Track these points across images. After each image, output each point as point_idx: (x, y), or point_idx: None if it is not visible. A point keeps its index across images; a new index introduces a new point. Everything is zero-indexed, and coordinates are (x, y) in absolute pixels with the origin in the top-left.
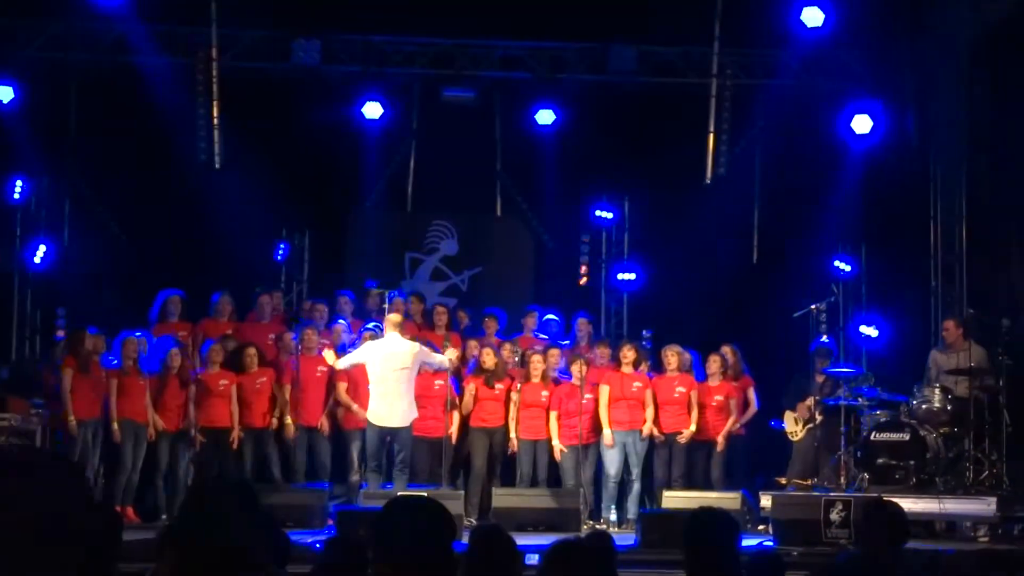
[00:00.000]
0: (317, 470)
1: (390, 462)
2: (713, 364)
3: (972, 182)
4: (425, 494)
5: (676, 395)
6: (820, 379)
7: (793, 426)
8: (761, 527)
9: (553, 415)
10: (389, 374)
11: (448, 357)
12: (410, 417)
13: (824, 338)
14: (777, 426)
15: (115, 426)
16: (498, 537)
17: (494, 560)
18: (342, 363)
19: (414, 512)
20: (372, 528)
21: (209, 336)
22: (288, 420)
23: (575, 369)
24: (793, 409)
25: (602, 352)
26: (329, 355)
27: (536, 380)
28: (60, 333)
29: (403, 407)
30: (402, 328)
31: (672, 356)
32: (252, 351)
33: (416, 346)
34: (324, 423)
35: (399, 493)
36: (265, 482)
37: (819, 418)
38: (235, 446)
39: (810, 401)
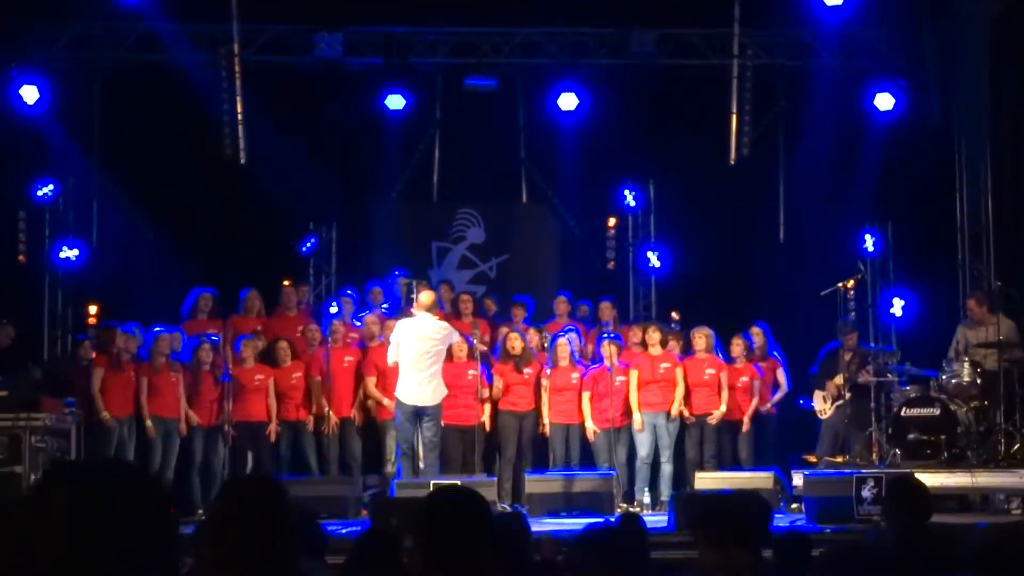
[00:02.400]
0: (349, 461)
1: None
2: (736, 347)
3: (997, 155)
4: (458, 484)
5: (706, 377)
6: (847, 356)
7: (822, 404)
8: (794, 506)
9: (586, 396)
10: (420, 354)
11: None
12: (439, 397)
13: (852, 315)
14: (806, 405)
15: (148, 423)
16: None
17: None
18: (391, 357)
19: (457, 503)
20: (414, 519)
21: (239, 332)
22: (327, 411)
23: (605, 351)
24: (822, 388)
25: (634, 334)
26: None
27: (564, 364)
28: (87, 332)
29: (433, 386)
30: (433, 310)
31: (701, 338)
32: (284, 345)
33: (446, 326)
34: (356, 414)
35: (433, 483)
36: (301, 474)
37: (847, 396)
38: (272, 439)
39: (839, 379)
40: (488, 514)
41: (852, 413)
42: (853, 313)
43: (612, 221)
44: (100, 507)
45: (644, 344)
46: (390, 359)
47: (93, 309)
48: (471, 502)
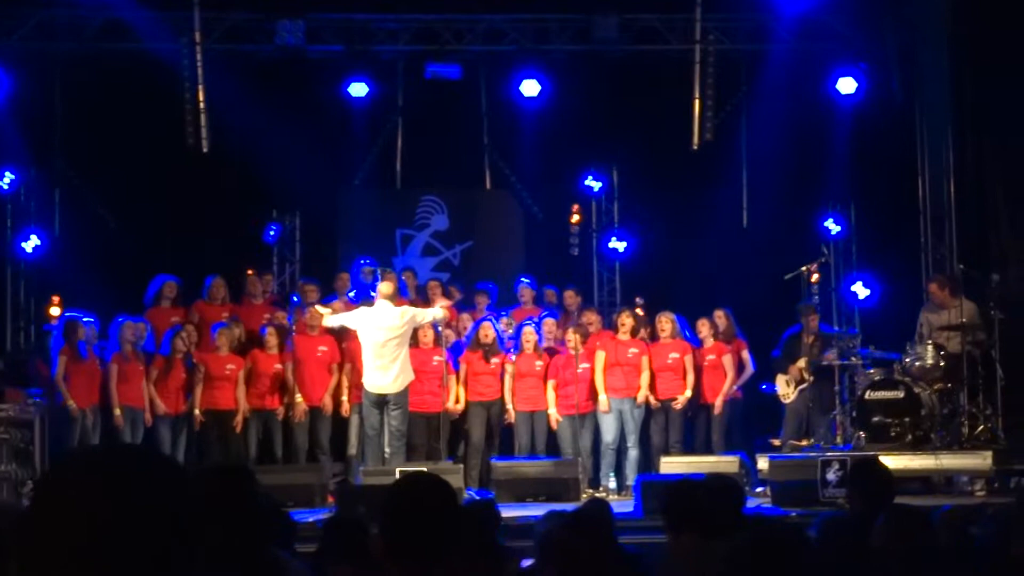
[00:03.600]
0: (315, 449)
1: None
2: (703, 328)
3: (958, 139)
4: (423, 470)
5: (670, 361)
6: (809, 340)
7: (785, 388)
8: (759, 490)
9: (550, 384)
10: (381, 342)
11: (440, 307)
12: (404, 383)
13: (815, 298)
14: (769, 390)
15: (117, 412)
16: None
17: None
18: (330, 320)
19: (421, 490)
20: (379, 507)
21: (206, 319)
22: (298, 399)
23: (569, 338)
24: (784, 372)
25: (591, 319)
26: (323, 310)
27: (529, 351)
28: (52, 323)
29: (397, 373)
30: (393, 299)
31: (667, 323)
32: (272, 330)
33: (406, 310)
34: (327, 402)
35: (399, 470)
36: (268, 462)
37: (810, 379)
38: (239, 428)
39: (802, 363)
40: (454, 502)
41: (815, 396)
42: (816, 297)
43: (575, 208)
44: (124, 500)
45: (612, 327)
46: (327, 321)
47: (56, 299)
48: (437, 490)
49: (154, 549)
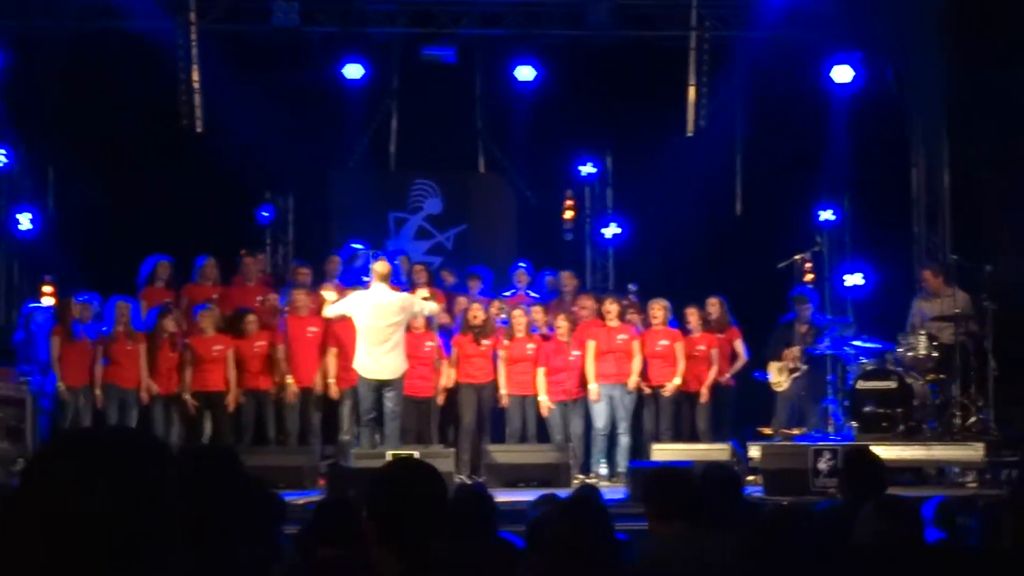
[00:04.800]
0: (307, 431)
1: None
2: (692, 317)
3: (953, 128)
4: (415, 454)
5: (659, 348)
6: (802, 329)
7: (777, 376)
8: (751, 477)
9: (541, 371)
10: (378, 326)
11: (433, 306)
12: (401, 369)
13: (809, 287)
14: (761, 377)
15: (98, 391)
16: (481, 496)
17: (474, 518)
18: (330, 310)
19: (411, 474)
20: (367, 490)
21: (195, 300)
22: (289, 381)
23: (559, 325)
24: (777, 359)
25: (586, 305)
26: (328, 295)
27: (521, 335)
28: (45, 301)
29: (393, 359)
30: (387, 280)
31: (659, 309)
32: (252, 316)
33: (405, 296)
34: (319, 383)
35: (390, 452)
36: (259, 443)
37: (803, 368)
38: (231, 409)
39: (795, 351)
40: (442, 486)
41: (807, 385)
42: (811, 283)
43: (569, 193)
44: (108, 482)
45: (600, 315)
46: (328, 311)
47: (48, 279)
48: (423, 474)
49: (138, 530)
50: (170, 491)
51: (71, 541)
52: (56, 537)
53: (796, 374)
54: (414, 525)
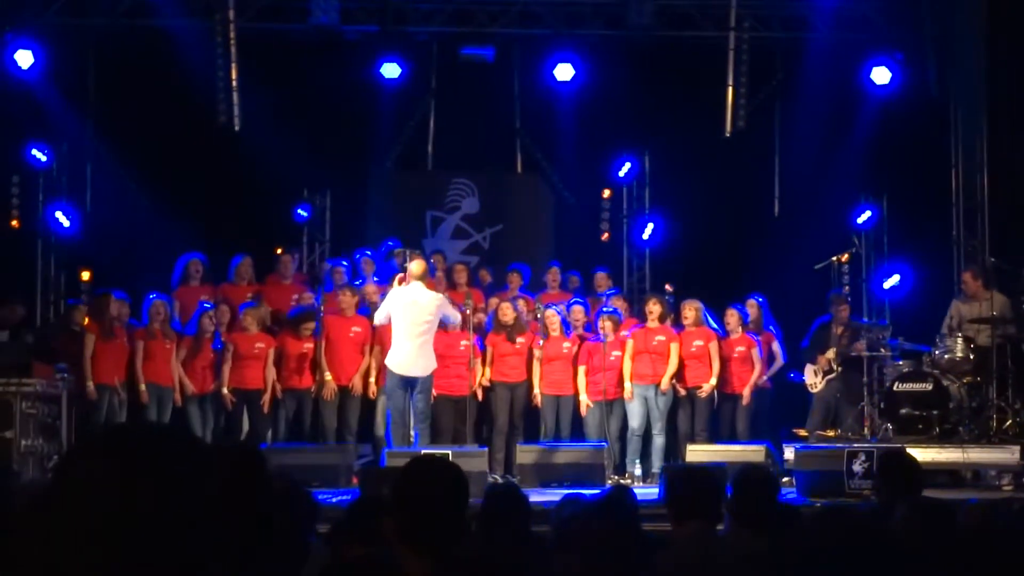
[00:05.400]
0: (343, 429)
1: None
2: (731, 318)
3: (993, 131)
4: (449, 454)
5: (694, 349)
6: (838, 330)
7: (813, 378)
8: (785, 479)
9: (581, 370)
10: (411, 324)
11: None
12: (429, 368)
13: (845, 288)
14: (797, 379)
15: (142, 387)
16: (514, 495)
17: (508, 518)
18: (378, 318)
19: (431, 474)
20: (390, 486)
21: (230, 299)
22: (328, 379)
23: (603, 325)
24: (813, 361)
25: (619, 307)
26: (379, 319)
27: (555, 334)
28: (82, 297)
29: (423, 357)
30: (425, 279)
31: (690, 310)
32: (311, 325)
33: (439, 297)
34: (357, 383)
35: (422, 451)
36: (295, 442)
37: (839, 369)
38: (266, 409)
39: (831, 353)
40: (464, 486)
41: (843, 387)
42: (847, 287)
43: (607, 193)
44: (140, 481)
45: (641, 315)
46: (377, 320)
47: (86, 275)
48: (447, 474)
49: (173, 531)
50: (206, 488)
51: (102, 539)
52: (87, 534)
53: (831, 376)
54: (433, 524)
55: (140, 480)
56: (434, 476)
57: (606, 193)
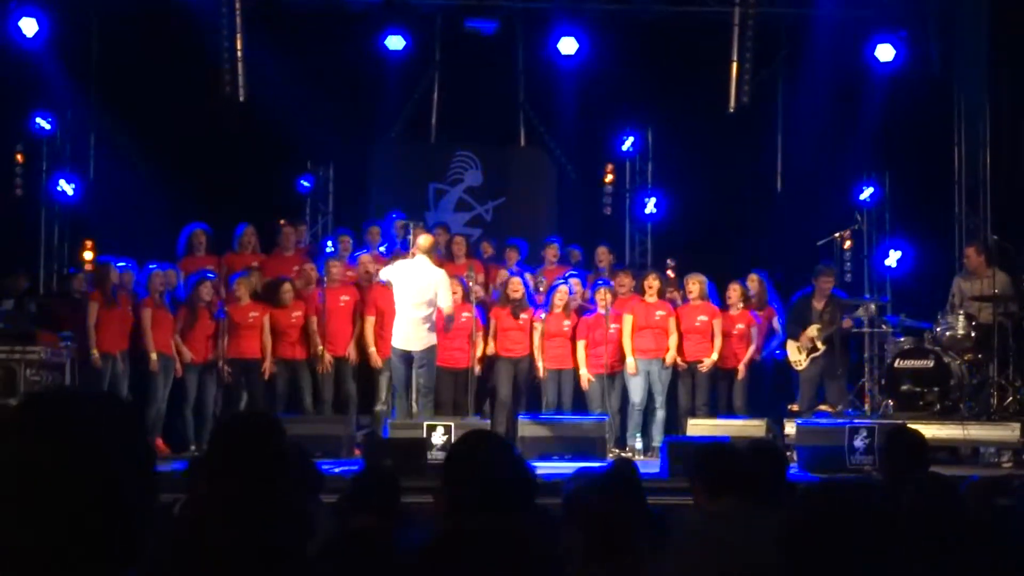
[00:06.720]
0: (343, 400)
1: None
2: (733, 293)
3: (996, 108)
4: (452, 425)
5: (698, 324)
6: (820, 304)
7: (796, 355)
8: (786, 454)
9: (580, 344)
10: (412, 298)
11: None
12: (428, 343)
13: (848, 264)
14: (780, 357)
15: (153, 356)
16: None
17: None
18: (382, 274)
19: (481, 446)
20: (446, 459)
21: (234, 269)
22: (321, 350)
23: (600, 298)
24: (796, 337)
25: (623, 281)
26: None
27: (558, 310)
28: (86, 266)
29: (422, 332)
30: (431, 254)
31: (694, 284)
32: (288, 286)
33: (442, 276)
34: (352, 353)
35: (426, 423)
36: (295, 412)
37: (822, 348)
38: (266, 377)
39: (813, 330)
40: (517, 459)
41: (830, 364)
42: (849, 263)
43: (609, 168)
44: (57, 444)
45: (641, 290)
46: (382, 276)
47: (89, 244)
48: (497, 446)
49: (93, 493)
50: (127, 458)
51: (19, 501)
52: (3, 496)
53: (815, 354)
54: (484, 495)
55: (51, 443)
56: (486, 450)
57: (609, 169)
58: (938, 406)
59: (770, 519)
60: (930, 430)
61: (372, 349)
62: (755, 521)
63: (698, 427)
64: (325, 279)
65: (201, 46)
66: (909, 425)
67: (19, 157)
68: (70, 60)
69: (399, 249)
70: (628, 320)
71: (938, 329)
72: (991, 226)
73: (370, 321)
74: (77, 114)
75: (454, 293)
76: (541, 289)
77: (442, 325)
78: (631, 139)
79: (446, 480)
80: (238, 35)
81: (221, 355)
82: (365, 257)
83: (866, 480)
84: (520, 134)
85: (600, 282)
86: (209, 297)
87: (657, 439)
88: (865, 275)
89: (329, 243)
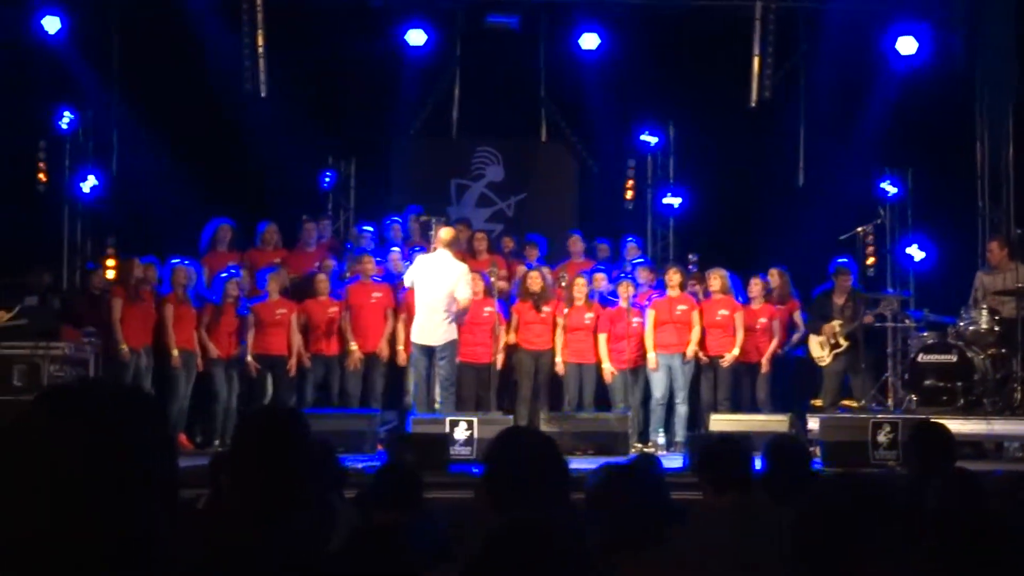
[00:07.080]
0: (368, 396)
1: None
2: (755, 287)
3: (1020, 102)
4: (475, 420)
5: (719, 318)
6: (840, 300)
7: (819, 351)
8: (810, 449)
9: (602, 338)
10: (432, 292)
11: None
12: (448, 337)
13: (870, 260)
14: (800, 354)
15: (175, 352)
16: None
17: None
18: (406, 280)
19: (521, 442)
20: (486, 457)
21: (256, 265)
22: (353, 348)
23: (622, 292)
24: (817, 332)
25: (646, 277)
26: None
27: (580, 303)
28: (109, 262)
29: (441, 326)
30: (452, 248)
31: (716, 279)
32: (323, 276)
33: (463, 270)
34: (384, 348)
35: (448, 419)
36: (321, 407)
37: (845, 344)
38: (292, 374)
39: (834, 325)
40: (558, 455)
41: (854, 359)
42: (873, 259)
43: (630, 168)
44: (80, 439)
45: (662, 284)
46: (406, 281)
47: (111, 240)
48: (540, 443)
49: (109, 487)
50: (150, 451)
51: (38, 492)
52: (24, 487)
53: (839, 351)
54: (528, 492)
55: (75, 436)
56: (529, 446)
57: (630, 184)
58: (961, 401)
59: (777, 516)
60: (954, 425)
61: (400, 347)
62: (761, 518)
63: (720, 422)
64: (349, 275)
65: (222, 42)
66: (933, 420)
67: (40, 163)
68: (92, 57)
69: (421, 245)
70: (650, 315)
71: (961, 324)
72: (1014, 220)
73: (402, 319)
74: (99, 110)
75: (475, 290)
76: (563, 284)
77: (469, 316)
78: (655, 139)
79: (487, 475)
80: (259, 30)
81: (245, 351)
82: (393, 254)
83: (888, 475)
84: (542, 129)
85: (621, 275)
86: (236, 293)
87: (679, 434)
88: (888, 270)
89: (359, 237)
